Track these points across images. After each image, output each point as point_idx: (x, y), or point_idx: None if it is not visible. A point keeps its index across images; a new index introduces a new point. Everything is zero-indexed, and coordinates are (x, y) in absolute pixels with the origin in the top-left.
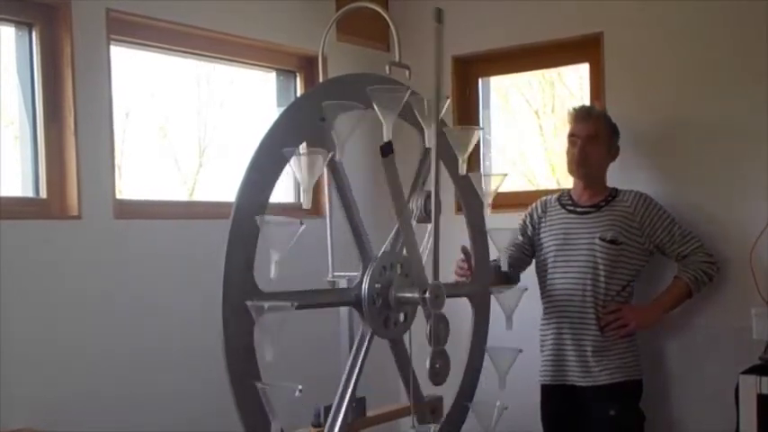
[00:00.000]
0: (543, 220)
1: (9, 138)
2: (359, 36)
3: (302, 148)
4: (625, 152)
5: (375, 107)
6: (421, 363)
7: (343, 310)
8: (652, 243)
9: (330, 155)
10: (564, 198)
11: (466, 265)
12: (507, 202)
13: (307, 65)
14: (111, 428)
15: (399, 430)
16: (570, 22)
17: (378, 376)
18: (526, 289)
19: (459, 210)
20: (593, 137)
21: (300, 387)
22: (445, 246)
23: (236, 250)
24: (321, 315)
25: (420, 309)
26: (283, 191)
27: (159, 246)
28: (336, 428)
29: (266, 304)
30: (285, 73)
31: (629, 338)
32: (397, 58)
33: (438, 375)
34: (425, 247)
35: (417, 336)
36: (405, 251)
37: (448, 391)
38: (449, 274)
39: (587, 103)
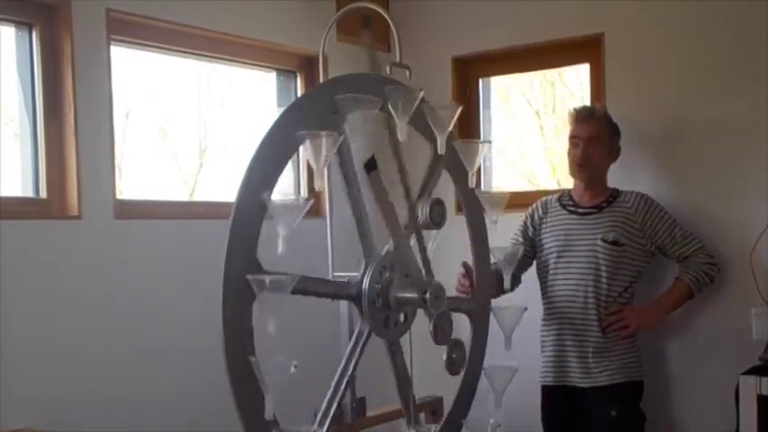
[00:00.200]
0: (544, 220)
1: (9, 138)
2: (359, 36)
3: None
4: (625, 152)
5: (390, 107)
6: (419, 363)
7: (344, 310)
8: (653, 244)
9: (341, 138)
10: (564, 198)
11: (467, 282)
12: (507, 202)
13: (307, 65)
14: (111, 428)
15: (399, 430)
16: (571, 22)
17: (378, 376)
18: (525, 309)
19: (459, 210)
20: (596, 138)
21: (295, 363)
22: (445, 246)
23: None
24: (321, 315)
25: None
26: (283, 190)
27: (159, 246)
28: (329, 418)
29: (267, 278)
30: (285, 73)
31: (630, 339)
32: (397, 59)
33: (455, 365)
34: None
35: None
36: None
37: (448, 392)
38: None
39: (588, 103)
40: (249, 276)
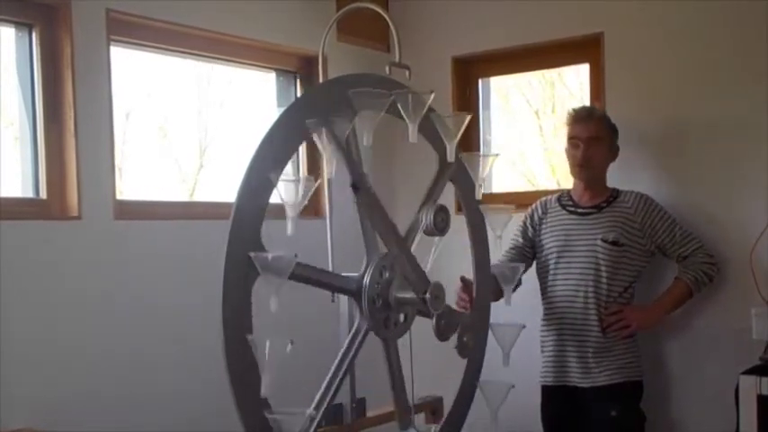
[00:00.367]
0: (544, 220)
1: (9, 138)
2: (359, 36)
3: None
4: (625, 152)
5: (401, 110)
6: (419, 363)
7: (344, 309)
8: (653, 244)
9: (352, 124)
10: (564, 198)
11: (466, 296)
12: (507, 202)
13: (307, 65)
14: (111, 428)
15: (399, 430)
16: (570, 22)
17: (378, 377)
18: (524, 326)
19: (459, 210)
20: (595, 138)
21: (292, 340)
22: (446, 246)
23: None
24: (322, 316)
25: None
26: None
27: (159, 246)
28: (322, 409)
29: (270, 255)
30: (285, 73)
31: (629, 339)
32: (397, 59)
33: (465, 348)
34: (430, 259)
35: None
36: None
37: (448, 392)
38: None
39: (587, 103)
40: (252, 254)
